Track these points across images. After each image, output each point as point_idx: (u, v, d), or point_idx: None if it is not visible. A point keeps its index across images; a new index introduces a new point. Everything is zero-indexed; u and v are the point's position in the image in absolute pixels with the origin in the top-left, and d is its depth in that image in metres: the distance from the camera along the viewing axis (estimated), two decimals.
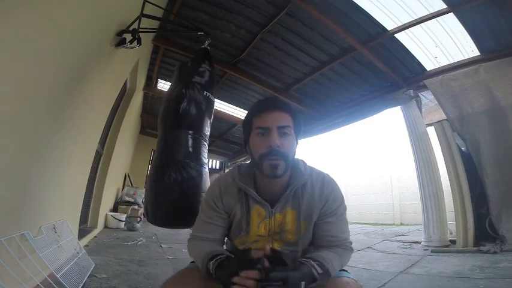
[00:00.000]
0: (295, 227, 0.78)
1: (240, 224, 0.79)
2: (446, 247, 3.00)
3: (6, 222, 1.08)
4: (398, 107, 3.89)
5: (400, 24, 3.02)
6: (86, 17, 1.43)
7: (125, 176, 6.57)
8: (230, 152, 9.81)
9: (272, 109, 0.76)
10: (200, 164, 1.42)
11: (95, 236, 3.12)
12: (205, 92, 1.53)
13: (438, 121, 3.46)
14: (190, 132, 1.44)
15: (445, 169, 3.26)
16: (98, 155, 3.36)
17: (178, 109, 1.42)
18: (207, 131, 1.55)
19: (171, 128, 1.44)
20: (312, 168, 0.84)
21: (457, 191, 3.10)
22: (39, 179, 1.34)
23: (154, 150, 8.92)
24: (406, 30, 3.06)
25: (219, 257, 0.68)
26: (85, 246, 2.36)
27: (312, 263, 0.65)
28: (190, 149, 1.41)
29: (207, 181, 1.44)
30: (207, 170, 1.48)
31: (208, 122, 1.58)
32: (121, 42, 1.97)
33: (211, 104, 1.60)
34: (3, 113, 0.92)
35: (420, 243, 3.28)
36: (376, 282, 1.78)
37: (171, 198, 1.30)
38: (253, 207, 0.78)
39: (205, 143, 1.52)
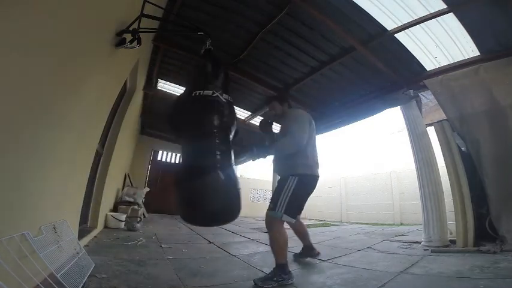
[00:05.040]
0: None
1: None
2: (446, 247, 3.00)
3: (6, 222, 1.08)
4: (398, 107, 3.89)
5: (400, 24, 3.02)
6: (86, 17, 1.43)
7: (125, 176, 6.57)
8: None
9: None
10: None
11: (95, 236, 3.12)
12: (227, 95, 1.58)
13: (438, 121, 3.45)
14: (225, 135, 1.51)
15: (445, 169, 3.26)
16: (98, 155, 3.36)
17: (221, 112, 1.48)
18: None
19: (220, 132, 1.49)
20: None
21: (457, 191, 3.10)
22: (39, 179, 1.34)
23: (154, 151, 8.95)
24: (406, 30, 3.06)
25: None
26: (85, 246, 2.36)
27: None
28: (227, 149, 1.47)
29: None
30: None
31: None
32: (121, 42, 1.97)
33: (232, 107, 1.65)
34: (3, 113, 0.92)
35: (420, 243, 3.28)
36: (376, 282, 1.78)
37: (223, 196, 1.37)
38: None
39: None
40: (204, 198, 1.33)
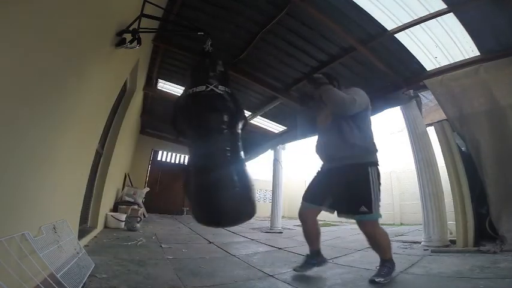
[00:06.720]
0: None
1: None
2: (446, 247, 2.99)
3: (6, 222, 1.08)
4: (398, 107, 3.89)
5: (400, 24, 3.01)
6: (86, 17, 1.43)
7: (125, 176, 6.57)
8: None
9: None
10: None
11: (95, 236, 3.12)
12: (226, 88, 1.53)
13: (438, 121, 3.45)
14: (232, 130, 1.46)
15: (445, 169, 3.26)
16: (98, 155, 3.36)
17: (226, 109, 1.44)
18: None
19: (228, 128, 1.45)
20: None
21: (457, 191, 3.10)
22: (39, 179, 1.34)
23: (154, 151, 8.95)
24: (406, 30, 3.06)
25: None
26: (85, 246, 2.36)
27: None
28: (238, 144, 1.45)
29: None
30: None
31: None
32: (121, 42, 1.97)
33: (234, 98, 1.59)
34: (3, 113, 0.92)
35: (420, 243, 3.28)
36: None
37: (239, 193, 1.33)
38: None
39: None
40: (214, 197, 1.29)
